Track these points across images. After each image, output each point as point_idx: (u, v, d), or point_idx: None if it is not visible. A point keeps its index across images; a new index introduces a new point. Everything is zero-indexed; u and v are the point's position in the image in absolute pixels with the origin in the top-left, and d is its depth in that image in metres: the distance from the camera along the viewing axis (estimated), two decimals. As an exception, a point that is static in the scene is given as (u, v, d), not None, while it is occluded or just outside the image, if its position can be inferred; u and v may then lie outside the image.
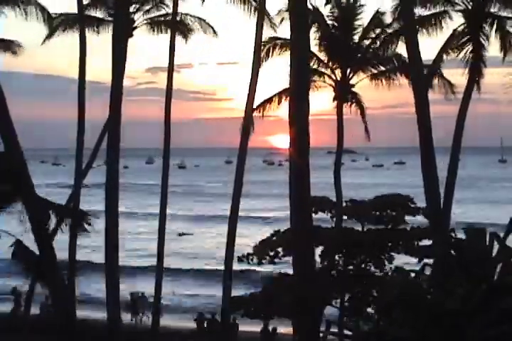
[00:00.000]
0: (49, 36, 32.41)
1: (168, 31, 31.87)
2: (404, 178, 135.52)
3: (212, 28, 33.09)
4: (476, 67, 27.68)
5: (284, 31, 29.96)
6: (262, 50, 30.30)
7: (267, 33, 30.88)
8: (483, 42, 27.92)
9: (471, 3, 27.84)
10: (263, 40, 30.20)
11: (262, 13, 28.89)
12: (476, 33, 27.82)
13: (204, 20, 32.92)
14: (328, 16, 32.33)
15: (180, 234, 76.56)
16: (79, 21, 30.69)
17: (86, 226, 27.22)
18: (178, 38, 32.01)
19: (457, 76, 29.38)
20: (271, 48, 31.53)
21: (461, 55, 27.98)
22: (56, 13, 32.07)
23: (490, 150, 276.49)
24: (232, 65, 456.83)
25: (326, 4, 30.68)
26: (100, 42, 32.50)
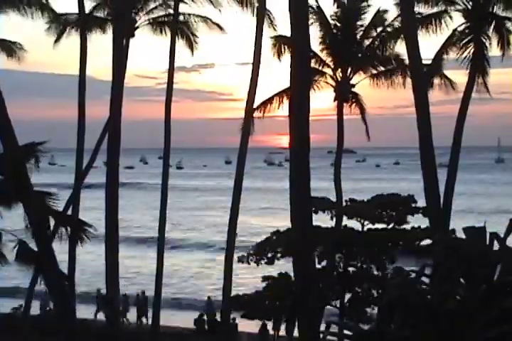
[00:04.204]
0: (58, 39, 32.40)
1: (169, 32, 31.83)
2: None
3: (218, 25, 32.40)
4: (476, 67, 27.65)
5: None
6: (274, 48, 31.48)
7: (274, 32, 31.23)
8: (484, 41, 27.90)
9: (470, 3, 27.83)
10: (271, 39, 30.99)
11: (261, 14, 28.84)
12: (478, 33, 27.79)
13: (209, 19, 32.37)
14: (330, 16, 32.36)
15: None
16: (80, 21, 30.69)
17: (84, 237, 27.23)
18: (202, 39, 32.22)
19: (458, 76, 29.42)
20: (281, 47, 31.61)
21: (463, 54, 27.95)
22: (61, 14, 32.05)
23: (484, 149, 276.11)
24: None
25: None
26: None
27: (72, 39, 32.33)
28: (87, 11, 31.01)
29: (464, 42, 27.98)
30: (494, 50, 28.42)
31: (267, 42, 31.12)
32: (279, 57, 31.82)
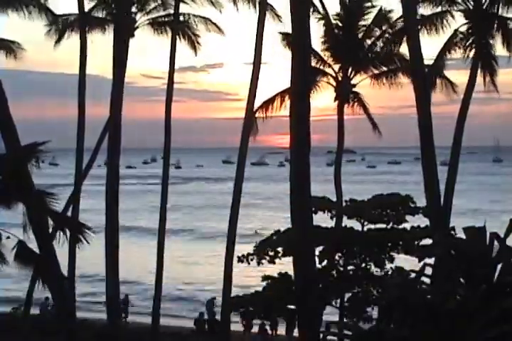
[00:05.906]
0: (59, 40, 32.32)
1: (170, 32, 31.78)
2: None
3: (216, 25, 32.23)
4: (477, 68, 27.60)
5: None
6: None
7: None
8: (488, 41, 27.83)
9: (471, 3, 27.78)
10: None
11: (263, 11, 28.73)
12: (479, 33, 27.73)
13: (208, 19, 32.21)
14: (332, 16, 32.32)
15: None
16: (80, 21, 30.68)
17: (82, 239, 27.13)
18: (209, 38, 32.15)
19: (461, 76, 29.37)
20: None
21: (465, 54, 27.90)
22: (61, 14, 32.00)
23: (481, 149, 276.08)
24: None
25: None
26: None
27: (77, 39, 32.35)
28: (86, 10, 30.96)
29: (467, 42, 27.93)
30: (499, 50, 28.41)
31: (268, 41, 30.98)
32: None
